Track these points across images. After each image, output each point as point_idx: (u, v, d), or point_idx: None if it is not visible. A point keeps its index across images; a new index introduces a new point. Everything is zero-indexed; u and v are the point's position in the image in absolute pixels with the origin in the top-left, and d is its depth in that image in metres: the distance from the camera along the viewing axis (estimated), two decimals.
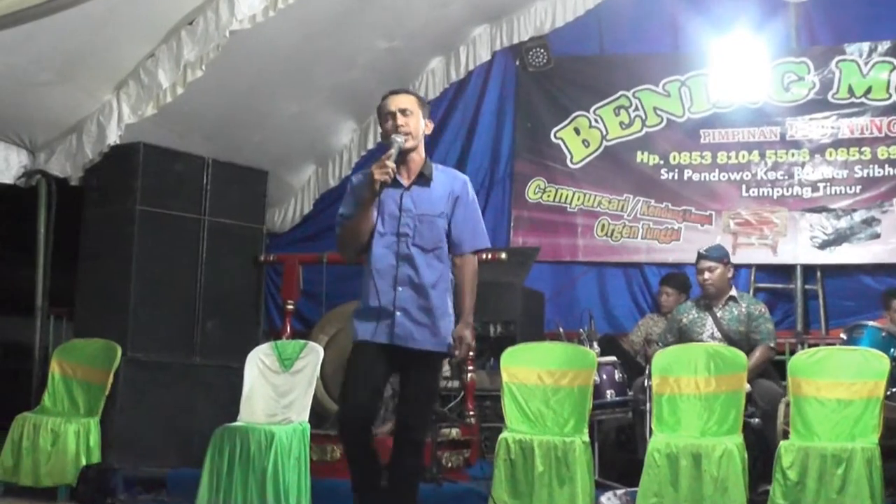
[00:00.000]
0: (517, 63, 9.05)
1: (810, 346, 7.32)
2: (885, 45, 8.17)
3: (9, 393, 7.73)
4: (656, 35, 8.80)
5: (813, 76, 8.32)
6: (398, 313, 4.27)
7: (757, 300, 6.82)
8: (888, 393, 5.52)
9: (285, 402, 5.97)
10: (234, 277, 7.68)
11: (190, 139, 7.69)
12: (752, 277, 8.25)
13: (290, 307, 7.92)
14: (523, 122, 9.02)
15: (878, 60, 8.17)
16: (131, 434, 6.81)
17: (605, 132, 8.77)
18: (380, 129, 4.50)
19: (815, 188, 8.26)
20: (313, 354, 6.06)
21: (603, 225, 8.66)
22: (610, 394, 6.27)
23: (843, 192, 8.17)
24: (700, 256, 6.55)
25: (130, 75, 7.00)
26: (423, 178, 4.38)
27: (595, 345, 6.55)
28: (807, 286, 8.15)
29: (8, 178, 7.45)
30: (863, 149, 8.16)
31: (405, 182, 4.36)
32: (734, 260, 6.83)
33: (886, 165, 8.08)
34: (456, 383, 7.16)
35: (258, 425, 5.73)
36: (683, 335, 6.48)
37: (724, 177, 8.47)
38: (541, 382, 5.89)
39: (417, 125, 4.39)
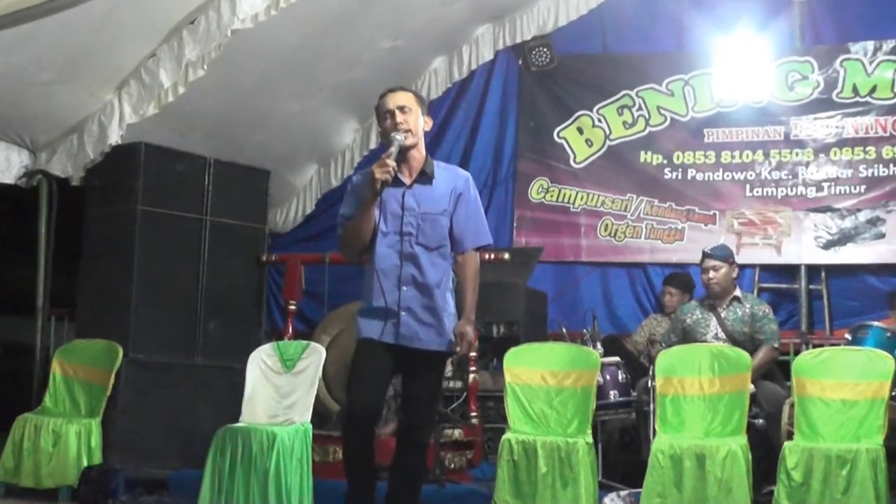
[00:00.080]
0: (520, 62, 9.03)
1: (815, 346, 7.31)
2: (889, 44, 8.14)
3: (10, 394, 7.73)
4: (660, 34, 8.78)
5: (817, 75, 8.29)
6: (403, 313, 4.24)
7: (761, 301, 6.80)
8: (893, 393, 5.50)
9: (287, 403, 5.95)
10: (235, 278, 7.66)
11: (191, 139, 7.67)
12: (756, 277, 8.22)
13: (292, 307, 7.91)
14: (526, 122, 9.00)
15: (882, 59, 8.14)
16: (133, 435, 6.80)
17: (608, 132, 8.74)
18: (380, 129, 4.48)
19: (819, 188, 8.23)
20: (315, 355, 6.04)
21: (606, 225, 8.64)
22: (613, 394, 6.25)
23: (847, 191, 8.14)
24: (705, 255, 6.53)
25: (132, 75, 6.99)
26: (425, 176, 4.36)
27: (598, 345, 6.52)
28: (811, 286, 8.12)
29: (9, 178, 7.44)
30: (867, 148, 8.13)
31: (407, 180, 4.34)
32: (738, 260, 6.80)
33: (891, 165, 8.05)
34: (459, 384, 7.15)
35: (260, 426, 5.71)
36: (687, 335, 6.46)
37: (727, 176, 8.44)
38: (544, 383, 5.88)
39: (417, 122, 4.36)
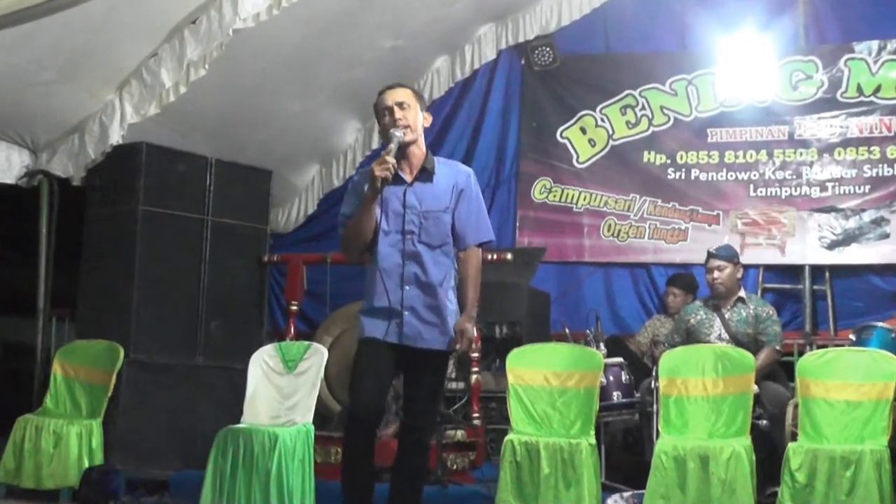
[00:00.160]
0: (523, 62, 9.00)
1: (819, 347, 7.29)
2: (894, 44, 8.09)
3: (10, 394, 7.72)
4: (663, 33, 8.75)
5: (821, 75, 8.25)
6: (406, 313, 4.22)
7: (765, 302, 6.77)
8: None
9: (289, 404, 5.94)
10: (237, 278, 7.65)
11: (193, 139, 7.66)
12: (760, 278, 8.18)
13: (294, 308, 7.91)
14: (529, 122, 8.98)
15: (887, 59, 8.10)
16: (134, 436, 6.79)
17: (611, 131, 8.72)
18: (379, 128, 4.45)
19: (823, 188, 8.19)
20: (317, 356, 6.03)
21: (609, 225, 8.61)
22: (616, 395, 6.22)
23: (851, 191, 8.10)
24: (710, 255, 6.52)
25: (133, 74, 6.98)
26: (426, 173, 4.33)
27: (601, 346, 6.51)
28: (815, 287, 8.08)
29: (10, 178, 7.43)
30: (872, 148, 8.09)
31: (407, 178, 4.32)
32: (742, 260, 6.77)
33: None
34: (461, 385, 7.14)
35: (262, 427, 5.70)
36: (691, 336, 6.44)
37: (731, 176, 8.41)
38: (547, 384, 5.86)
39: (416, 118, 4.34)
